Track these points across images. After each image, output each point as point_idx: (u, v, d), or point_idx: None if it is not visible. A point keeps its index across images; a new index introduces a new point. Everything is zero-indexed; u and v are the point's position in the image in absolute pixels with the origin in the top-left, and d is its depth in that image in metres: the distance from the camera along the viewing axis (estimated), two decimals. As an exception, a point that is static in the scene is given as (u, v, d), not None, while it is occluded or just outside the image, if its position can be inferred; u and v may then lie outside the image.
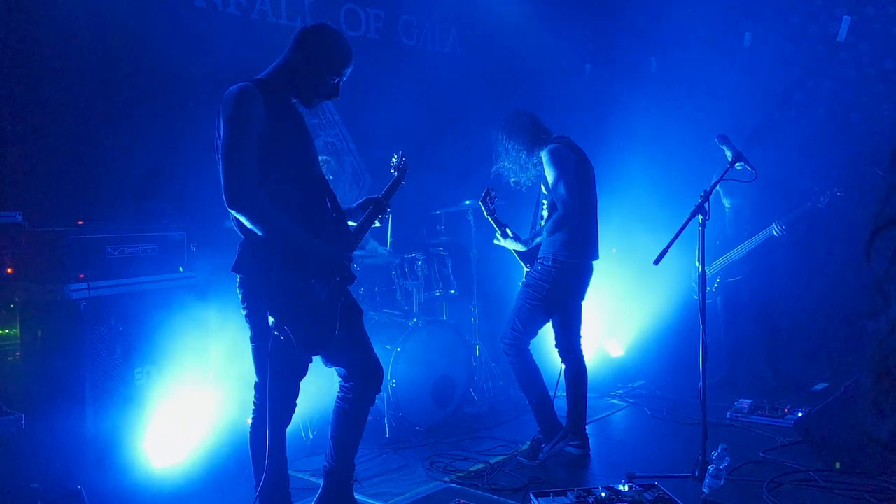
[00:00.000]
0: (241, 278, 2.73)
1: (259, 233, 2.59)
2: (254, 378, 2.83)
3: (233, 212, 2.57)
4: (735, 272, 5.23)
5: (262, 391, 2.78)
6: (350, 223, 3.08)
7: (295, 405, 2.87)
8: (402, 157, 3.27)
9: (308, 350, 2.70)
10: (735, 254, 5.17)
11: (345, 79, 2.88)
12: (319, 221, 2.79)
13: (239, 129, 2.55)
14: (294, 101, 2.84)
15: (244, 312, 2.75)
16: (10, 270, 3.33)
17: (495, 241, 4.00)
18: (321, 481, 3.07)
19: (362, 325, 3.03)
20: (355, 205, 3.15)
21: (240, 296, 2.75)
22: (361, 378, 2.99)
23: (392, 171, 3.25)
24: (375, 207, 3.08)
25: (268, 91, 2.67)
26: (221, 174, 2.56)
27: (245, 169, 2.55)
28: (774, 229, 4.95)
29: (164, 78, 4.36)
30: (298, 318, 2.63)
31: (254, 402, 2.84)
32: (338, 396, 3.04)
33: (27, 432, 3.02)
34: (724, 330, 5.38)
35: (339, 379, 3.03)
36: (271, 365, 2.68)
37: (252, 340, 2.76)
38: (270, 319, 2.61)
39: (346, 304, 2.88)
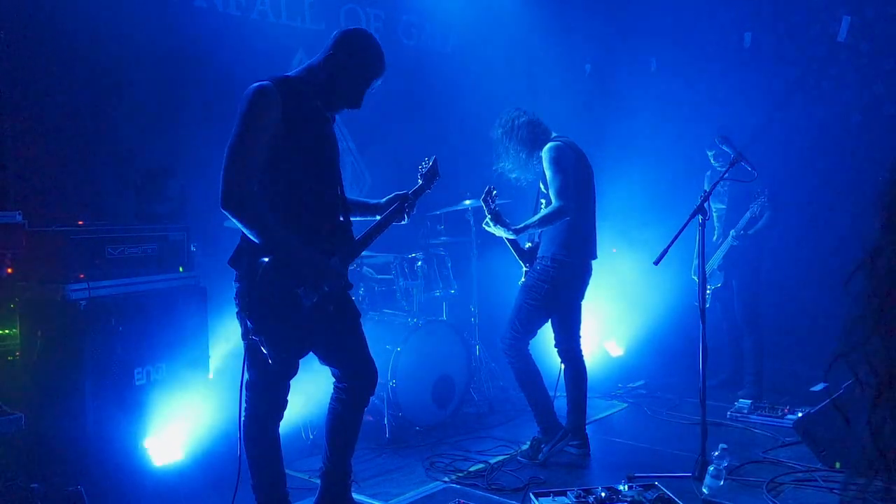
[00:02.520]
0: (237, 273, 2.69)
1: (250, 236, 2.56)
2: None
3: (225, 212, 2.53)
4: (715, 280, 5.20)
5: (251, 389, 2.76)
6: (377, 217, 3.04)
7: (285, 403, 2.84)
8: (433, 162, 3.14)
9: (279, 358, 2.63)
10: (713, 262, 5.15)
11: (373, 89, 2.84)
12: (326, 227, 2.76)
13: (246, 130, 2.52)
14: (318, 103, 2.76)
15: (236, 309, 2.71)
16: (10, 270, 3.33)
17: (484, 225, 3.93)
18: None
19: (359, 327, 2.99)
20: (384, 200, 3.11)
21: (235, 290, 2.70)
22: (355, 380, 2.97)
23: (419, 178, 3.14)
24: (401, 204, 3.03)
25: (290, 90, 2.62)
26: (221, 172, 2.52)
27: (244, 171, 2.51)
28: (731, 240, 4.99)
29: (164, 78, 4.36)
30: (274, 326, 2.59)
31: (245, 401, 2.82)
32: (332, 398, 3.02)
33: (27, 432, 3.02)
34: (726, 333, 5.38)
35: (334, 379, 3.02)
36: (251, 364, 2.67)
37: (243, 337, 2.72)
38: (247, 323, 2.58)
39: (340, 308, 2.83)
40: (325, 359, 2.93)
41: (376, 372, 3.02)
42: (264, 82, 2.58)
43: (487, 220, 3.86)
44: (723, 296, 5.25)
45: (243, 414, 2.81)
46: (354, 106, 2.84)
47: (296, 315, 2.63)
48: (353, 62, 2.74)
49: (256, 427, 2.77)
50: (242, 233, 2.67)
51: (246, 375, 2.78)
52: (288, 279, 2.60)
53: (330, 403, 3.02)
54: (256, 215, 2.53)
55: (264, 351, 2.59)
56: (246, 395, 2.80)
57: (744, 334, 5.21)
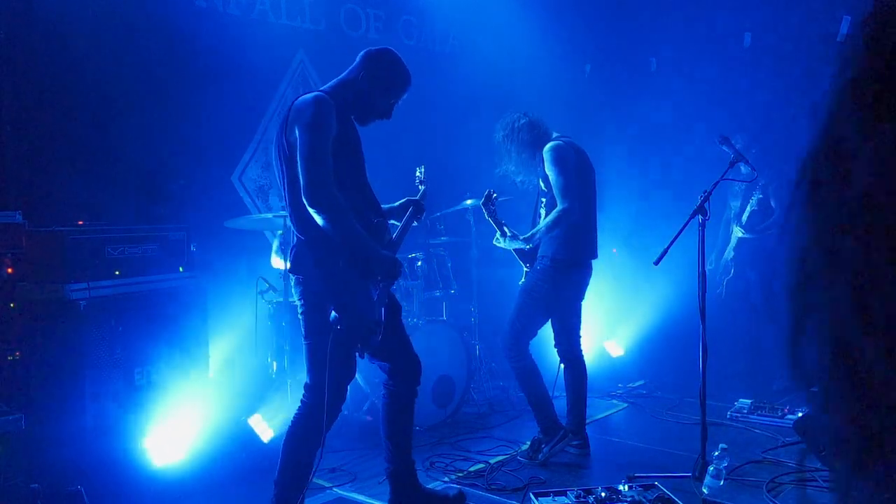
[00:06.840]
0: (298, 278, 2.81)
1: (331, 231, 2.68)
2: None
3: (312, 210, 2.67)
4: (725, 272, 5.45)
5: (313, 391, 2.83)
6: (392, 221, 3.22)
7: (341, 410, 2.94)
8: (423, 171, 3.40)
9: (365, 344, 2.78)
10: (727, 253, 5.43)
11: (400, 102, 3.03)
12: (367, 227, 2.89)
13: (318, 134, 2.68)
14: (352, 116, 2.95)
15: (301, 310, 2.84)
16: (10, 270, 3.33)
17: (495, 242, 3.99)
18: (387, 485, 3.22)
19: (402, 322, 3.15)
20: (397, 204, 3.27)
21: (296, 294, 2.85)
22: (404, 371, 3.10)
23: (418, 184, 3.35)
24: (415, 208, 3.21)
25: (336, 103, 2.80)
26: (301, 175, 2.66)
27: (326, 170, 2.67)
28: (739, 231, 5.21)
29: (165, 78, 4.36)
30: (357, 313, 2.73)
31: (301, 400, 2.89)
32: (385, 398, 3.13)
33: (27, 432, 3.02)
34: (741, 325, 5.52)
35: (384, 376, 3.11)
36: (312, 366, 2.77)
37: (305, 338, 2.84)
38: (332, 314, 2.68)
39: (390, 303, 3.00)
40: (377, 352, 3.02)
41: (420, 363, 3.16)
42: (319, 93, 2.77)
43: (497, 236, 3.94)
44: (735, 287, 5.40)
45: (297, 412, 2.88)
46: (386, 118, 3.03)
47: (369, 304, 2.78)
48: (383, 80, 2.93)
49: (304, 429, 2.84)
50: (304, 238, 2.79)
51: (307, 378, 2.87)
52: (361, 272, 2.76)
53: (386, 405, 3.13)
54: (341, 210, 2.69)
55: (346, 331, 2.68)
56: (304, 397, 2.88)
57: (766, 326, 5.37)
